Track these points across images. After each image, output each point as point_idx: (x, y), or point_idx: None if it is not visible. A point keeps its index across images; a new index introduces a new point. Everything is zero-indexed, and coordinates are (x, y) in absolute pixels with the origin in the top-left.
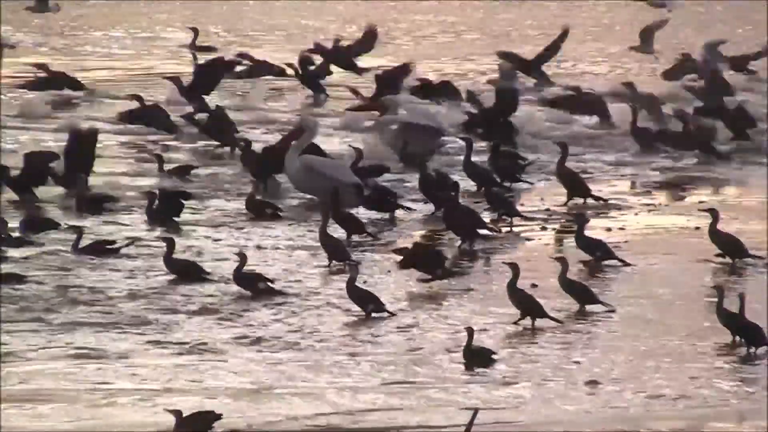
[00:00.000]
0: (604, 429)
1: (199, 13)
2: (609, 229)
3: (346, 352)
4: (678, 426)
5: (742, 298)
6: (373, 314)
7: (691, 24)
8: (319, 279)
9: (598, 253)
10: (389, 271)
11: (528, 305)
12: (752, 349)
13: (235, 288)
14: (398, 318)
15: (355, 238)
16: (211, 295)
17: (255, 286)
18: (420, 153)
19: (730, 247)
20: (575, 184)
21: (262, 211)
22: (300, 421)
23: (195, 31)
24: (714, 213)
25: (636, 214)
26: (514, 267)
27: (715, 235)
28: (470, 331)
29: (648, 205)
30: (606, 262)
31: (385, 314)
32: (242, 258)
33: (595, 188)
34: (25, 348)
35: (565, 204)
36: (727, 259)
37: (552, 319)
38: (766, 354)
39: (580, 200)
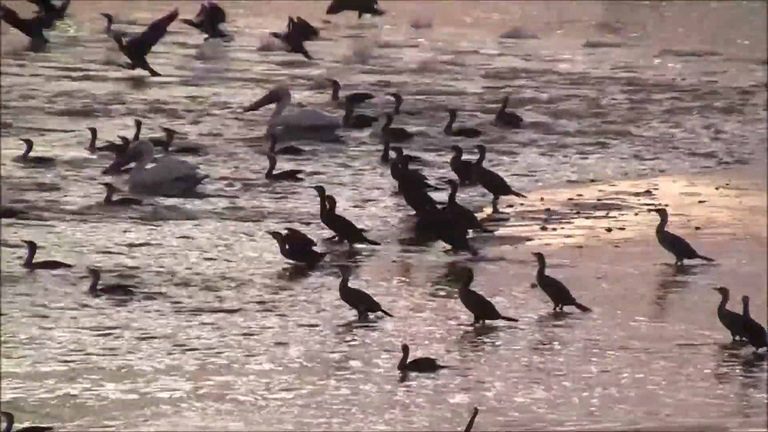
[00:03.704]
0: (602, 429)
1: None
2: (609, 230)
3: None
4: (677, 426)
5: (746, 301)
6: (368, 314)
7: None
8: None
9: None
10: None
11: (480, 307)
12: (756, 350)
13: None
14: (389, 320)
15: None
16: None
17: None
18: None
19: (678, 248)
20: (494, 184)
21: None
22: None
23: (108, 17)
24: (663, 214)
25: (636, 214)
26: (468, 272)
27: (663, 235)
28: (405, 349)
29: (648, 205)
30: (615, 265)
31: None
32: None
33: (596, 188)
34: None
35: (493, 202)
36: (677, 262)
37: (507, 318)
38: (767, 354)
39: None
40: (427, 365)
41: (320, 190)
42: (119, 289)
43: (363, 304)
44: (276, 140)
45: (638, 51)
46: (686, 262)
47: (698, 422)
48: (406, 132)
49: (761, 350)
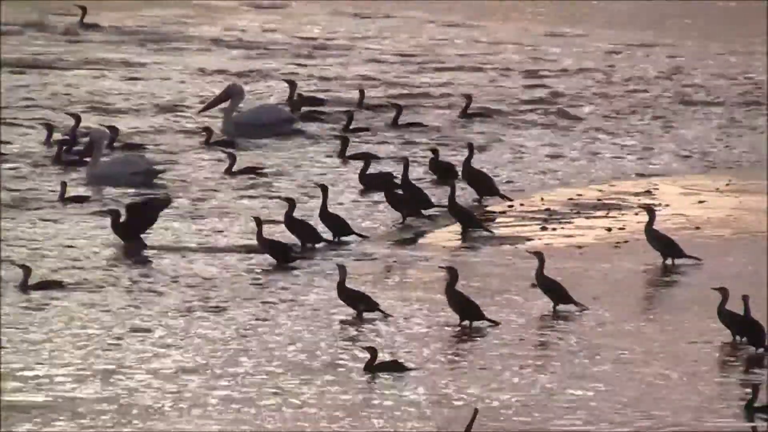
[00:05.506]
0: (601, 429)
1: None
2: (609, 229)
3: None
4: (676, 427)
5: (746, 300)
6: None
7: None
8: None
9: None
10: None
11: (465, 308)
12: (756, 350)
13: None
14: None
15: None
16: None
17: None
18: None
19: (665, 247)
20: (481, 183)
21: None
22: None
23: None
24: (651, 212)
25: (636, 214)
26: (452, 271)
27: (651, 234)
28: (373, 351)
29: (648, 205)
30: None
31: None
32: None
33: (596, 188)
34: None
35: (479, 201)
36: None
37: (490, 321)
38: (767, 354)
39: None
40: (394, 367)
41: (323, 188)
42: (53, 284)
43: (362, 304)
44: (212, 134)
45: (639, 49)
46: (681, 261)
47: (697, 422)
48: (366, 128)
49: (761, 350)
